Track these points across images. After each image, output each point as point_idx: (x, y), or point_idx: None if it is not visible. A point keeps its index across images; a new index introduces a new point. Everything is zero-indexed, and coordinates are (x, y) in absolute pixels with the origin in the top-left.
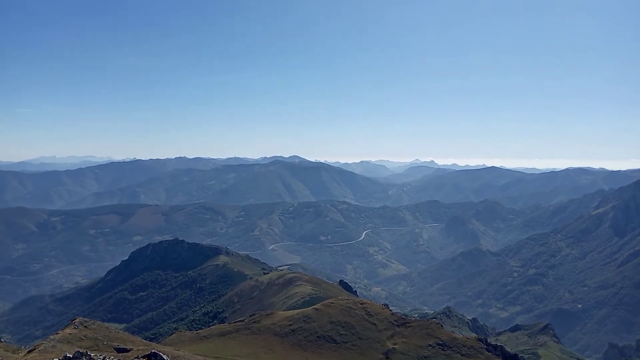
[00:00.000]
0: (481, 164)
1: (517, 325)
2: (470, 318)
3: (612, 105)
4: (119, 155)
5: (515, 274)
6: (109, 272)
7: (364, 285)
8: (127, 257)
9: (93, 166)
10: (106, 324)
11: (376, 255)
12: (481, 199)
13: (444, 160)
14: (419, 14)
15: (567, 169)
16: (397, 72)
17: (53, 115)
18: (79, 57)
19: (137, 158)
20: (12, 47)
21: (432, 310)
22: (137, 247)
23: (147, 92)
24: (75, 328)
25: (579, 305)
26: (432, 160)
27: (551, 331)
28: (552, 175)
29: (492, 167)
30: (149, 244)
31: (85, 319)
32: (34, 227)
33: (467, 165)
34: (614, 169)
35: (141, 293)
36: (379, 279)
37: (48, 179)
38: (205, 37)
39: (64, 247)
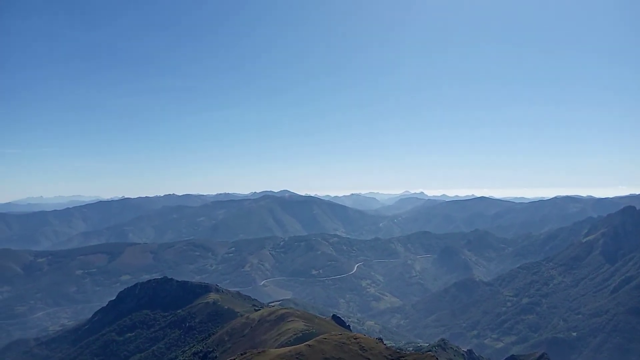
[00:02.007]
0: (470, 194)
1: (512, 355)
2: (465, 350)
3: (598, 134)
4: (107, 194)
5: (509, 304)
6: (96, 313)
7: (358, 319)
8: (114, 297)
9: (81, 205)
10: None
11: (369, 288)
12: (472, 229)
13: (433, 191)
14: (404, 47)
15: (555, 198)
16: (384, 105)
17: (40, 156)
18: (65, 98)
19: (126, 196)
20: None
21: (427, 342)
22: (125, 287)
23: (135, 131)
24: None
25: (574, 334)
26: (422, 192)
27: None
28: (540, 204)
29: (482, 197)
30: (137, 283)
31: None
32: (19, 269)
33: (457, 195)
34: (602, 197)
35: (129, 334)
36: (372, 312)
37: (35, 219)
38: (192, 75)
39: (50, 289)
